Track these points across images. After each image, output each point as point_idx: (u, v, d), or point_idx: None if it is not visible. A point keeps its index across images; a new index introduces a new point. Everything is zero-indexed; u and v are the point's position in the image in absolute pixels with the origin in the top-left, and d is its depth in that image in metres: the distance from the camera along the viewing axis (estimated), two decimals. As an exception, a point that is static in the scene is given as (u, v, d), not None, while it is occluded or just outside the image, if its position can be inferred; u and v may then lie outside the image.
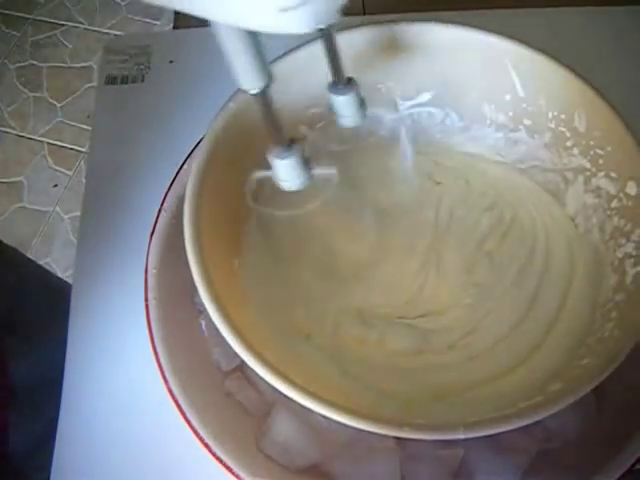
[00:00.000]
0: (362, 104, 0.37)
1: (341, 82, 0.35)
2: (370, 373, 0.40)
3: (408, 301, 0.44)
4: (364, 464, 0.37)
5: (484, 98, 0.45)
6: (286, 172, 0.34)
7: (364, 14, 0.62)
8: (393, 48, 0.43)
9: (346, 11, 0.28)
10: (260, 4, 0.24)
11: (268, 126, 0.32)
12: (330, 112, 0.37)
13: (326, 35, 0.33)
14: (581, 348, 0.38)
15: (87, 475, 0.42)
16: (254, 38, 0.27)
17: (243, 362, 0.33)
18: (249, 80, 0.29)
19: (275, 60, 0.41)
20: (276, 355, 0.34)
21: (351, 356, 0.41)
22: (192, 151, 0.44)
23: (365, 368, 0.40)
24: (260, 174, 0.37)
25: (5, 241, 0.57)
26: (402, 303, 0.44)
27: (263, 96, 0.30)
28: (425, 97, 0.46)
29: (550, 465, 0.38)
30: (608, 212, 0.41)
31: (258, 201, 0.42)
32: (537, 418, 0.31)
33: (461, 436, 0.30)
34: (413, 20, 0.42)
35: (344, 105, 0.36)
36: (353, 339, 0.42)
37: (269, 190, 0.42)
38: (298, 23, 0.25)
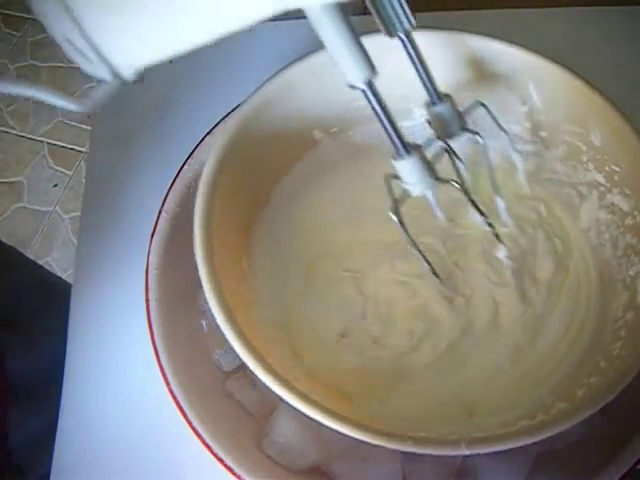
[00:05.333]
0: (459, 116, 0.36)
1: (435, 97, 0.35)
2: (376, 382, 0.40)
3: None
4: (365, 465, 0.37)
5: (500, 109, 0.44)
6: (411, 173, 0.32)
7: (364, 14, 0.62)
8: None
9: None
10: None
11: (383, 123, 0.30)
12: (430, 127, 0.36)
13: (408, 43, 0.32)
14: (588, 366, 0.37)
15: (87, 474, 0.43)
16: (352, 29, 0.27)
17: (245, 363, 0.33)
18: (356, 72, 0.28)
19: (289, 64, 0.41)
20: (282, 360, 0.34)
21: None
22: (192, 151, 0.44)
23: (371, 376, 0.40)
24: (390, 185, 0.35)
25: (5, 241, 0.57)
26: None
27: (372, 89, 0.29)
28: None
29: (552, 466, 0.38)
30: (621, 229, 0.40)
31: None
32: (539, 438, 0.31)
33: (464, 452, 0.31)
34: (425, 27, 0.41)
35: (441, 117, 0.35)
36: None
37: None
38: None
